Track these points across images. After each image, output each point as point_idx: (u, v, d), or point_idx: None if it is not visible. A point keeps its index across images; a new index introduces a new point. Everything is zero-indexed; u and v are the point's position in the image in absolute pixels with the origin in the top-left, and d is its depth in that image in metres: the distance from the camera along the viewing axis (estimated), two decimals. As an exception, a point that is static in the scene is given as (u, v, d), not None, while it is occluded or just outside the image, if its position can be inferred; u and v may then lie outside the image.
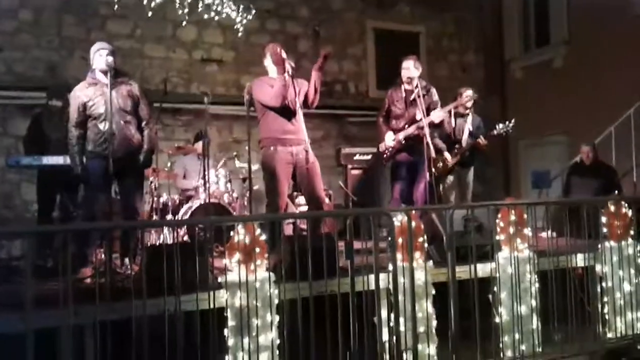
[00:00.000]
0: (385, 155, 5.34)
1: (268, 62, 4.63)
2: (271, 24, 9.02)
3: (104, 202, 4.22)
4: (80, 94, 4.30)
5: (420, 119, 4.98)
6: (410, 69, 5.19)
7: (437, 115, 5.14)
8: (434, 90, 5.29)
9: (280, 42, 4.85)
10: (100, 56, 4.31)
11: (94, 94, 4.28)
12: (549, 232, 5.24)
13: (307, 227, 4.11)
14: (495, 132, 5.93)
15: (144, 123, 4.51)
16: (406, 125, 5.21)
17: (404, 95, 5.27)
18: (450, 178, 6.08)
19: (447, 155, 5.95)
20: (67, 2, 7.44)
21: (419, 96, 4.96)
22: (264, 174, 4.56)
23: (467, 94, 5.96)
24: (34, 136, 5.50)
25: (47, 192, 5.47)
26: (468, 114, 6.08)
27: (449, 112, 5.72)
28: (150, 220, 5.62)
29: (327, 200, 6.53)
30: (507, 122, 5.88)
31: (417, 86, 5.07)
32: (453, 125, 6.08)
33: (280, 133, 4.46)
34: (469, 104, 6.02)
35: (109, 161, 4.04)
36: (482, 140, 5.93)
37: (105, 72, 4.25)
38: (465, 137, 6.03)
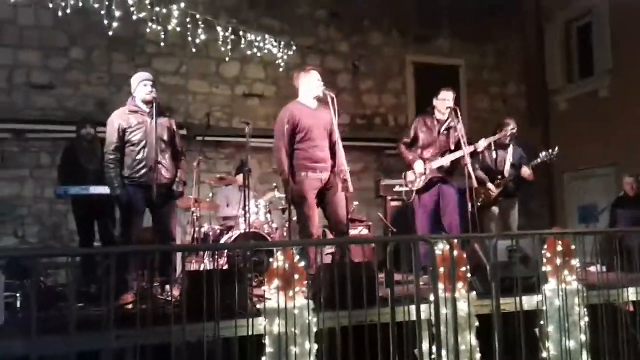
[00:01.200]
0: (415, 186, 5.23)
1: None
2: (311, 59, 9.17)
3: (140, 227, 4.31)
4: (120, 120, 4.41)
5: (460, 149, 4.94)
6: (451, 100, 5.20)
7: (482, 144, 5.10)
8: (461, 125, 5.20)
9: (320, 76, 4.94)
10: (145, 86, 4.45)
11: (135, 122, 4.40)
12: (599, 265, 5.07)
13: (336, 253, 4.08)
14: (539, 160, 5.81)
15: (180, 155, 4.64)
16: (440, 155, 5.15)
17: (435, 124, 5.24)
18: (493, 210, 5.96)
19: (490, 186, 5.85)
20: (116, 40, 7.76)
21: (450, 127, 4.94)
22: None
23: (512, 125, 5.87)
24: (68, 167, 5.70)
25: (85, 222, 5.63)
26: (509, 145, 5.99)
27: (490, 143, 5.64)
28: (191, 247, 5.67)
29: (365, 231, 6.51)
30: (550, 151, 5.76)
31: (450, 116, 5.06)
32: (495, 156, 6.00)
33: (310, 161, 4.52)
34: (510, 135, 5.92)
35: (151, 188, 4.13)
36: (526, 170, 5.82)
37: (147, 103, 4.39)
38: (507, 168, 5.93)
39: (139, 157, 4.35)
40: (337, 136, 4.50)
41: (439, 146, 5.18)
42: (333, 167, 4.57)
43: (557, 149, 5.76)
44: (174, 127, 4.63)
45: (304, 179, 4.49)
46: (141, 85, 4.47)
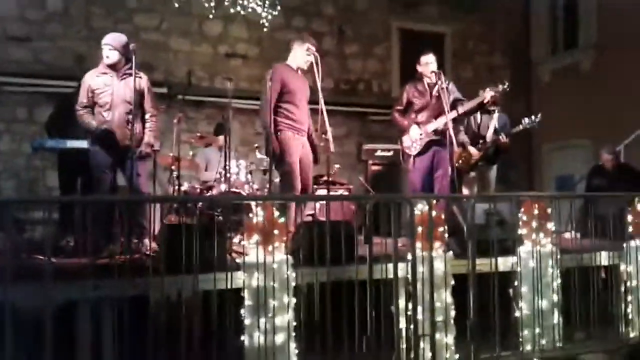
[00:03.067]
0: (411, 150, 5.25)
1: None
2: (296, 21, 9.05)
3: (110, 184, 4.38)
4: (90, 81, 4.47)
5: (455, 109, 4.99)
6: (434, 62, 5.19)
7: (467, 105, 5.13)
8: (452, 85, 5.27)
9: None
10: (102, 51, 4.48)
11: (102, 84, 4.45)
12: (573, 232, 5.17)
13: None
14: (521, 126, 5.82)
15: (147, 115, 4.62)
16: (433, 118, 5.16)
17: (427, 88, 5.24)
18: (472, 174, 6.01)
19: (472, 149, 5.89)
20: (96, -7, 7.56)
21: (442, 88, 4.93)
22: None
23: (496, 88, 5.74)
24: (57, 121, 5.58)
25: (68, 176, 5.53)
26: (494, 111, 6.00)
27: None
28: (172, 197, 5.62)
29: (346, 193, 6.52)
30: (533, 117, 5.76)
31: (439, 79, 5.05)
32: (479, 121, 6.02)
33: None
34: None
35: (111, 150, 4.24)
36: (503, 138, 5.84)
37: (110, 66, 4.40)
38: (489, 133, 5.95)
39: (105, 118, 4.42)
40: (319, 97, 4.50)
41: (432, 109, 5.19)
42: (309, 133, 4.79)
43: (539, 115, 5.77)
44: (145, 86, 4.58)
45: (290, 137, 4.63)
46: (101, 49, 4.49)
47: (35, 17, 7.62)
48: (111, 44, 4.47)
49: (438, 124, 5.13)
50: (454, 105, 5.10)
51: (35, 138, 6.73)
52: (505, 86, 5.34)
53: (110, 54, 4.43)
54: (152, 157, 4.83)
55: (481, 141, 5.95)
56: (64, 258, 4.18)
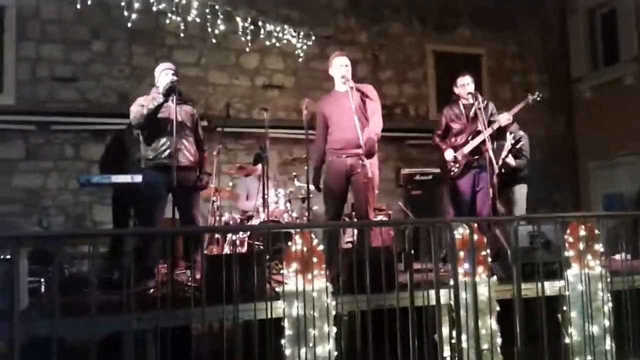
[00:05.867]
0: (452, 172, 5.20)
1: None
2: (330, 49, 9.09)
3: (162, 214, 4.35)
4: (145, 102, 4.47)
5: (482, 130, 4.92)
6: (470, 84, 5.17)
7: (505, 117, 5.05)
8: (492, 105, 5.23)
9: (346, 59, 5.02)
10: (166, 75, 4.53)
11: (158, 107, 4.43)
12: (623, 253, 4.96)
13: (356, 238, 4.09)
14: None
15: (202, 145, 4.68)
16: (469, 139, 5.11)
17: (463, 110, 5.20)
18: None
19: None
20: (136, 33, 7.82)
21: (479, 109, 4.89)
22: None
23: (533, 96, 5.45)
24: (112, 156, 5.74)
25: (121, 210, 5.67)
26: (509, 132, 5.68)
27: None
28: (210, 228, 5.68)
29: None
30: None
31: (476, 100, 5.01)
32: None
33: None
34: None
35: (171, 172, 4.16)
36: (510, 160, 5.66)
37: (168, 91, 4.43)
38: (502, 155, 5.70)
39: (162, 139, 4.39)
40: (369, 110, 4.58)
41: (469, 131, 5.15)
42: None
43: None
44: (197, 116, 4.68)
45: (329, 164, 4.67)
46: (163, 74, 4.57)
47: (80, 58, 7.94)
48: (173, 69, 4.61)
49: (474, 143, 5.07)
50: (490, 124, 5.03)
51: (82, 174, 6.99)
52: (537, 95, 5.23)
53: (174, 78, 4.50)
54: (207, 187, 4.89)
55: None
56: (111, 290, 4.28)
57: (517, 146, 5.80)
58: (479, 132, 5.02)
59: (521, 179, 5.90)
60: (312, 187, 4.82)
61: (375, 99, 4.70)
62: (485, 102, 5.17)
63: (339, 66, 4.70)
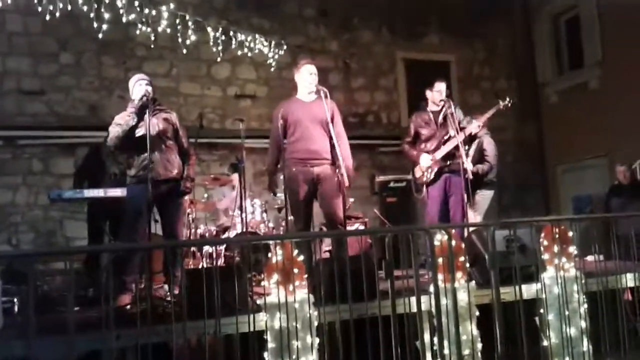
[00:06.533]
0: (424, 179, 5.24)
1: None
2: (302, 58, 9.15)
3: (143, 228, 4.25)
4: (121, 122, 4.37)
5: (454, 136, 4.95)
6: (444, 90, 5.22)
7: (475, 125, 5.12)
8: (459, 109, 5.30)
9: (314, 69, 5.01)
10: (140, 85, 4.46)
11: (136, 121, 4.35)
12: (596, 254, 5.07)
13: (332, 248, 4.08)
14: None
15: (185, 150, 4.59)
16: (442, 145, 5.16)
17: (432, 116, 5.26)
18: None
19: None
20: (106, 44, 7.72)
21: (451, 114, 4.97)
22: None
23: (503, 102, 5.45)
24: (87, 169, 5.63)
25: (95, 224, 5.56)
26: (477, 138, 5.77)
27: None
28: (188, 242, 5.61)
29: (362, 227, 6.48)
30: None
31: (444, 105, 5.09)
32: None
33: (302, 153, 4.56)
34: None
35: (155, 184, 4.11)
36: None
37: (144, 103, 4.36)
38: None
39: (142, 154, 4.29)
40: (334, 130, 4.49)
41: (439, 136, 5.20)
42: (331, 160, 4.54)
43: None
44: (176, 122, 4.59)
45: (294, 174, 4.52)
46: (137, 85, 4.50)
47: (48, 70, 7.80)
48: (147, 79, 4.52)
49: (446, 148, 5.13)
50: (461, 130, 5.11)
51: (52, 189, 6.84)
52: (508, 101, 5.30)
53: (149, 89, 4.42)
54: (190, 193, 4.80)
55: None
56: (86, 307, 4.19)
57: (482, 151, 5.84)
58: (450, 138, 5.08)
59: (485, 184, 5.93)
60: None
61: (339, 118, 4.69)
62: (454, 107, 5.20)
63: (308, 74, 4.64)
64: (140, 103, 4.32)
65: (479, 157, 5.84)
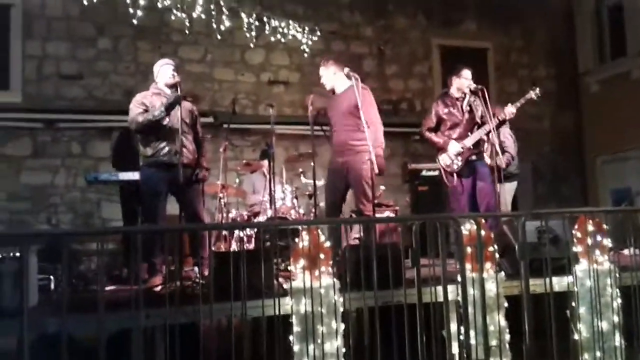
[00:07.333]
0: (454, 167, 5.16)
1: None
2: (336, 45, 9.13)
3: (164, 211, 4.35)
4: (144, 100, 4.47)
5: (486, 122, 4.90)
6: (470, 78, 5.14)
7: (510, 110, 5.03)
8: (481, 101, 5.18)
9: (345, 62, 5.07)
10: (166, 70, 4.51)
11: (158, 103, 4.43)
12: (631, 248, 4.93)
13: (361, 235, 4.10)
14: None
15: (202, 141, 4.70)
16: (469, 132, 5.08)
17: (458, 103, 5.17)
18: None
19: None
20: (142, 29, 7.83)
21: (475, 100, 4.92)
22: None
23: (536, 90, 5.37)
24: (120, 153, 5.74)
25: (129, 206, 5.67)
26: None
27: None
28: (218, 228, 5.69)
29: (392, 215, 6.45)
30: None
31: (466, 93, 5.03)
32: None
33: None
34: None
35: (173, 168, 4.21)
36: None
37: (170, 86, 4.43)
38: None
39: (161, 138, 4.38)
40: (365, 116, 4.47)
41: (465, 124, 5.12)
42: (361, 148, 4.56)
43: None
44: (196, 112, 4.67)
45: (330, 164, 4.81)
46: (162, 69, 4.56)
47: (86, 55, 7.96)
48: (173, 64, 4.62)
49: (477, 136, 5.05)
50: (483, 119, 5.04)
51: (90, 172, 7.02)
52: (538, 91, 5.20)
53: (175, 74, 4.51)
54: (206, 181, 4.91)
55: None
56: (119, 287, 4.31)
57: (500, 143, 5.72)
58: (480, 125, 4.99)
59: (506, 177, 5.78)
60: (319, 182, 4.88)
61: (370, 104, 4.74)
62: (478, 97, 5.06)
63: (332, 74, 4.84)
64: (173, 99, 4.36)
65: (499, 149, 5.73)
